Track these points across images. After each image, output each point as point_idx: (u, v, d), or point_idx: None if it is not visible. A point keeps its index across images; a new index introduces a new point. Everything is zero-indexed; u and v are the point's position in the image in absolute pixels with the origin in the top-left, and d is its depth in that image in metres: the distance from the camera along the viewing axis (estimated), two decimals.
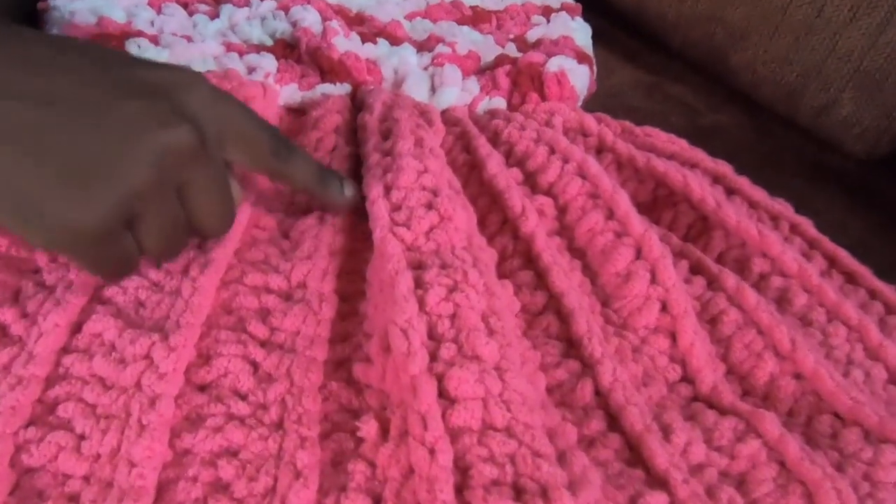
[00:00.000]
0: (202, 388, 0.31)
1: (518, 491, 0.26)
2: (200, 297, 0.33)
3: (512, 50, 0.56)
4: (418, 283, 0.32)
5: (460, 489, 0.26)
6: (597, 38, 0.61)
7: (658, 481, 0.30)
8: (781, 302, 0.39)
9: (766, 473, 0.31)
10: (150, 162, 0.28)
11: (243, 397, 0.31)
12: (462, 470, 0.27)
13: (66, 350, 0.32)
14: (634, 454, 0.31)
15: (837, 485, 0.30)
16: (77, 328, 0.33)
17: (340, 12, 0.56)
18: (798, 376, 0.35)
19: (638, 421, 0.31)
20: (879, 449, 0.32)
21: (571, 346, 0.35)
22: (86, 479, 0.29)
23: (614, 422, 0.32)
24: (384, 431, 0.30)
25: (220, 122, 0.31)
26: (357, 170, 0.41)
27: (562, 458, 0.28)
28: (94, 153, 0.27)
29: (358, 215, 0.39)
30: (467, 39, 0.55)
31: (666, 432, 0.31)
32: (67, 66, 0.28)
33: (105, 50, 0.32)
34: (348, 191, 0.38)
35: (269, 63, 0.48)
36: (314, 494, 0.28)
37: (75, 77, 0.28)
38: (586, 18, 0.62)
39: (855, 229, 0.51)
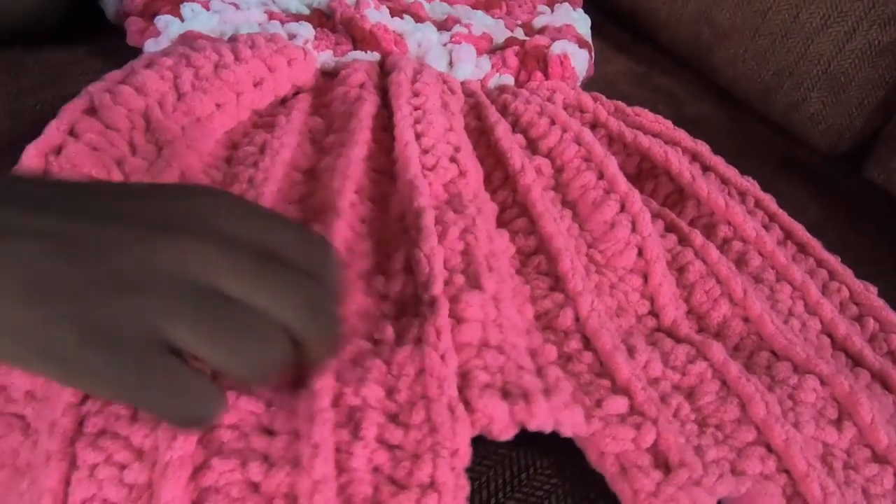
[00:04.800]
0: None
1: (505, 393, 0.33)
2: None
3: (520, 34, 0.62)
4: (438, 221, 0.39)
5: (461, 389, 0.33)
6: (594, 30, 0.67)
7: (621, 389, 0.36)
8: (739, 263, 0.46)
9: (710, 388, 0.37)
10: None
11: None
12: (462, 375, 0.33)
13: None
14: (604, 368, 0.38)
15: (766, 398, 0.36)
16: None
17: None
18: (746, 319, 0.42)
19: (608, 342, 0.38)
20: (804, 378, 0.38)
21: (558, 280, 0.41)
22: None
23: (589, 343, 0.39)
24: (398, 337, 0.36)
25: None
26: (375, 123, 0.47)
27: (539, 372, 0.35)
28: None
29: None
30: (481, 22, 0.61)
31: (630, 352, 0.38)
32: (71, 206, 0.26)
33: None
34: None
35: (307, 31, 0.54)
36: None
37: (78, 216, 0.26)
38: (585, 12, 0.69)
39: (813, 213, 0.58)
